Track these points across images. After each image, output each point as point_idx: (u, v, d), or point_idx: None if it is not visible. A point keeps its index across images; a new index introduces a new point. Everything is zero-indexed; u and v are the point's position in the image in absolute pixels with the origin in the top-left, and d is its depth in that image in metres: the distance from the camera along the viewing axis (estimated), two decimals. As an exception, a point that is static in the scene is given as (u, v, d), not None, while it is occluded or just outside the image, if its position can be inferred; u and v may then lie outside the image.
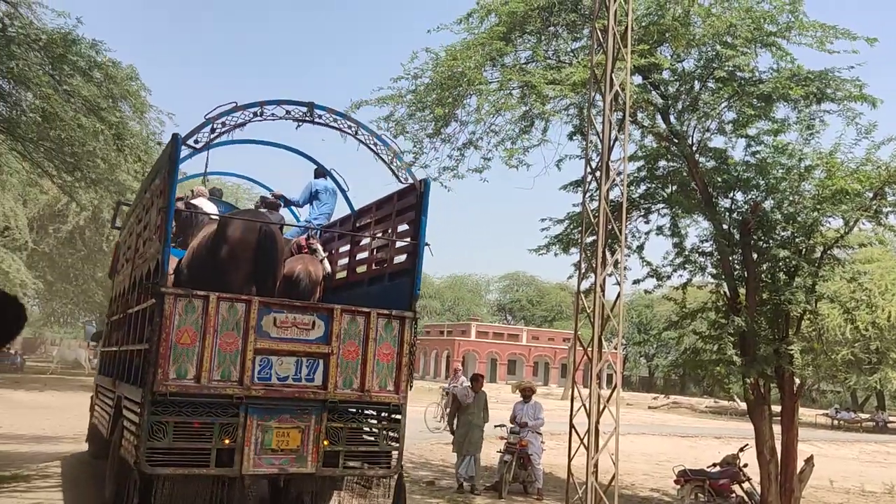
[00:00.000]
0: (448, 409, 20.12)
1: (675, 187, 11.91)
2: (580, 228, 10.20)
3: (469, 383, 20.45)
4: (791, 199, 10.70)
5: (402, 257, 8.71)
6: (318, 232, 10.13)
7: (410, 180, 8.54)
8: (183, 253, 8.82)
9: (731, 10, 10.27)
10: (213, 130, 7.65)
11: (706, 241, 12.14)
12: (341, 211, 10.91)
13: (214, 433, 6.83)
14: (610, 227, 8.69)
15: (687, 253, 11.95)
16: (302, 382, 7.27)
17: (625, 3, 8.96)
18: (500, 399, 13.95)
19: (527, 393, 12.52)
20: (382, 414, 7.81)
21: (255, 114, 7.83)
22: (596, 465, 7.54)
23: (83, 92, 12.04)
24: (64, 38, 11.74)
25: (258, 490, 7.68)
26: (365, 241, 9.88)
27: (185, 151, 7.61)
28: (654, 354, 74.20)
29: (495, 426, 12.15)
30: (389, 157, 8.60)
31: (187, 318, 6.86)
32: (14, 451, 12.95)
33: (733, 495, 11.34)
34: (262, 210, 9.71)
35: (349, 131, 8.53)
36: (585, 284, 9.77)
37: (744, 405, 13.04)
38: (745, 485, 11.46)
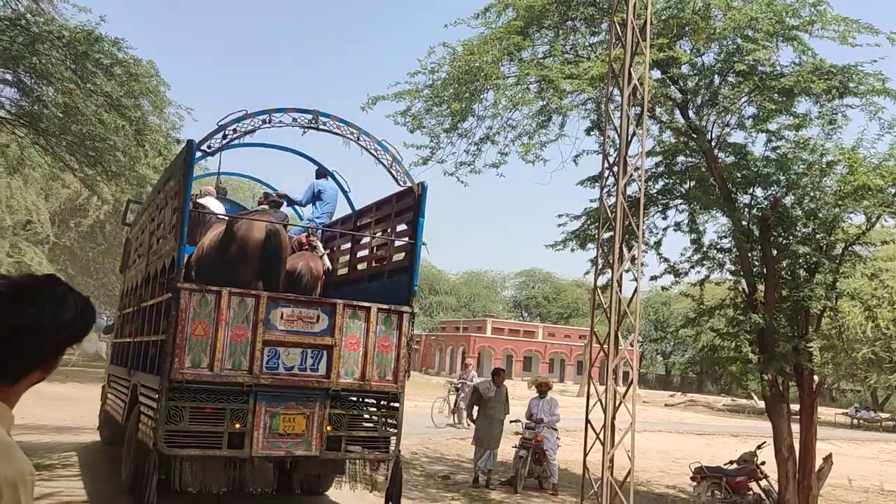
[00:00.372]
0: (457, 403, 20.13)
1: (693, 183, 11.82)
2: (597, 224, 10.16)
3: (476, 377, 20.48)
4: (812, 194, 10.58)
5: (401, 256, 9.31)
6: (320, 230, 10.55)
7: (409, 183, 9.05)
8: (192, 249, 9.16)
9: (753, 4, 10.16)
10: (224, 136, 8.22)
11: (725, 237, 12.05)
12: (343, 210, 11.52)
13: (226, 418, 7.42)
14: (627, 222, 8.65)
15: (705, 249, 11.86)
16: (307, 372, 7.85)
17: (644, -4, 8.90)
18: (516, 395, 13.83)
19: (542, 389, 12.51)
20: (381, 402, 8.40)
21: (263, 121, 8.37)
22: (612, 461, 7.52)
23: (105, 88, 12.16)
24: (87, 35, 11.87)
25: (265, 472, 8.19)
26: (365, 239, 10.43)
27: (198, 154, 8.16)
28: (671, 352, 73.80)
29: (511, 421, 12.15)
30: (389, 162, 9.10)
31: (201, 312, 7.43)
32: (37, 442, 13.12)
33: (750, 493, 11.28)
34: (264, 206, 10.16)
35: (351, 137, 9.00)
36: (602, 280, 9.73)
37: (762, 403, 12.95)
38: (763, 482, 11.40)
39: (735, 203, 11.29)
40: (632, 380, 8.62)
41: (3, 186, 24.56)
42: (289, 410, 7.73)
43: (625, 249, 9.00)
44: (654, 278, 12.59)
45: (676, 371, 73.39)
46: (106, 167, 13.34)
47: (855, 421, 38.60)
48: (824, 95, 10.07)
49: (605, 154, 9.29)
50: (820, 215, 10.39)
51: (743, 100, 10.64)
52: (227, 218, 9.62)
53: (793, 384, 11.36)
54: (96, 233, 34.37)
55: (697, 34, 10.18)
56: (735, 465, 11.57)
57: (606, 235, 9.73)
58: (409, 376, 8.46)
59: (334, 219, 11.31)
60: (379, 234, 10.03)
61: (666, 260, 12.18)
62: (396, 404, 8.33)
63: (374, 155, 9.10)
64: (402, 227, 9.44)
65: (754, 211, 11.30)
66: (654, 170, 12.16)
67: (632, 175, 8.96)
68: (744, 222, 11.14)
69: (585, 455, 7.84)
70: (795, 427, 11.15)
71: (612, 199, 9.23)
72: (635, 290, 8.57)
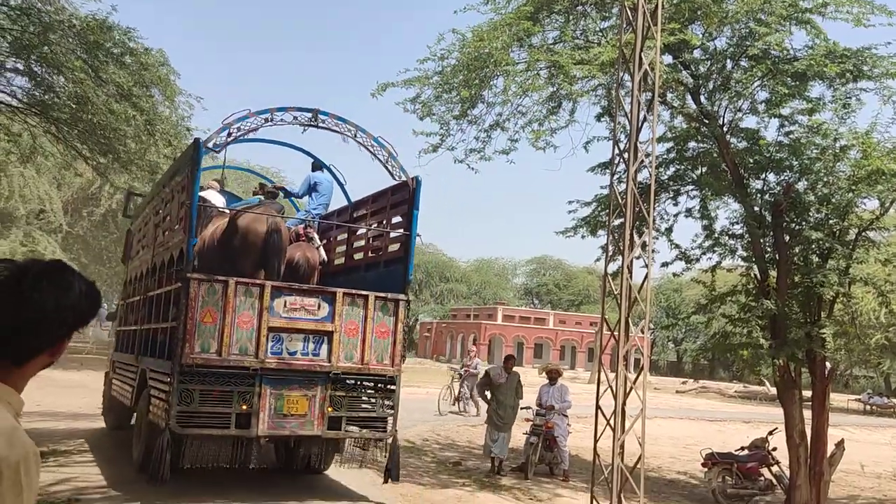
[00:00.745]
0: (461, 390, 20.02)
1: (704, 169, 11.75)
2: (608, 211, 10.12)
3: (480, 365, 20.43)
4: (825, 179, 10.50)
5: (396, 246, 9.74)
6: (317, 221, 10.97)
7: (404, 177, 9.50)
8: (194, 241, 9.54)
9: (766, -14, 10.04)
10: (229, 135, 8.76)
11: (736, 223, 11.98)
12: (339, 202, 11.95)
13: (234, 400, 7.94)
14: (638, 209, 8.62)
15: (717, 235, 11.81)
16: (309, 356, 8.38)
17: (655, -20, 8.81)
18: (527, 382, 13.78)
19: (553, 375, 12.51)
20: (379, 384, 8.93)
21: (266, 119, 8.91)
22: (622, 447, 7.53)
23: (116, 78, 12.19)
24: (100, 25, 11.88)
25: (269, 451, 8.77)
26: (361, 230, 10.88)
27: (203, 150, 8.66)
28: (683, 339, 73.62)
29: (521, 408, 12.17)
30: (385, 157, 9.59)
31: (209, 300, 7.94)
32: (53, 428, 13.28)
33: (761, 478, 11.28)
34: (260, 197, 10.80)
35: (349, 134, 9.51)
36: (612, 267, 9.71)
37: (774, 390, 12.92)
38: (774, 468, 11.39)
39: (747, 189, 11.21)
40: (642, 366, 8.63)
41: (17, 176, 24.73)
42: (292, 392, 8.24)
43: (635, 236, 8.96)
44: (665, 265, 12.56)
45: (688, 358, 73.24)
46: (117, 156, 13.40)
47: (868, 407, 38.43)
48: (838, 79, 9.97)
49: (616, 140, 9.24)
50: (833, 200, 10.32)
51: (755, 84, 10.54)
52: (229, 211, 10.15)
53: (805, 370, 11.32)
54: (108, 222, 34.58)
55: (709, 18, 10.08)
56: (746, 452, 11.56)
57: (617, 222, 9.69)
58: (404, 360, 8.97)
59: (329, 210, 11.63)
60: (374, 226, 10.40)
61: (677, 246, 12.15)
62: (393, 386, 8.85)
63: (370, 151, 9.55)
64: (397, 219, 9.87)
65: (766, 196, 11.23)
66: (665, 156, 12.09)
67: (642, 161, 8.91)
68: (756, 208, 11.07)
69: (596, 441, 7.86)
70: (807, 413, 11.12)
71: (623, 186, 9.19)
72: (646, 277, 8.54)
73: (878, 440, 23.21)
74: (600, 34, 11.41)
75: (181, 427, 7.69)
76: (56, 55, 11.35)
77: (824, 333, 10.11)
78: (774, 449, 11.49)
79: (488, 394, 12.06)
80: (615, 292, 8.50)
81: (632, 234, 8.54)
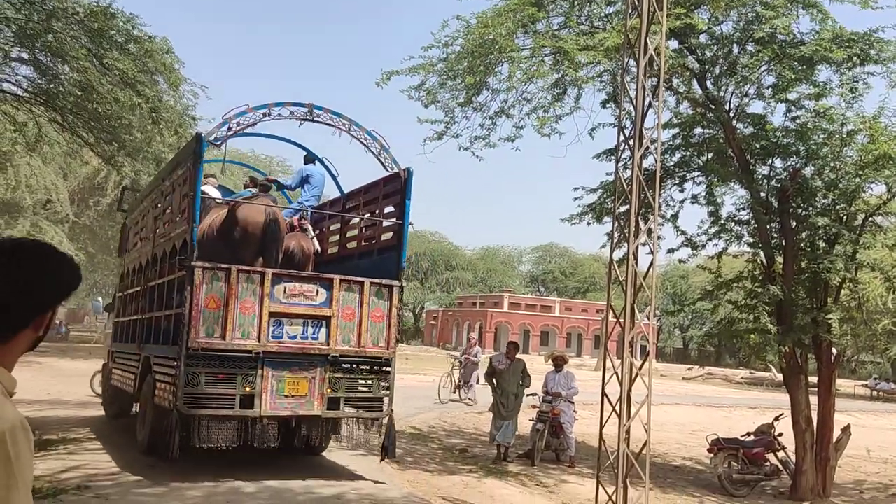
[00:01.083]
0: (461, 378, 19.92)
1: (710, 155, 11.70)
2: (613, 197, 10.09)
3: (480, 352, 20.38)
4: (832, 164, 10.45)
5: (389, 235, 10.14)
6: (310, 212, 11.36)
7: (396, 169, 9.86)
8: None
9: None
10: (229, 129, 9.13)
11: (743, 209, 11.96)
12: (331, 193, 12.35)
13: (237, 382, 8.37)
14: (643, 195, 8.59)
15: (723, 222, 11.78)
16: (308, 340, 8.80)
17: (660, -35, 8.73)
18: (533, 370, 13.75)
19: (558, 362, 12.53)
20: (375, 367, 9.29)
21: (264, 114, 9.28)
22: (628, 433, 7.54)
23: (120, 66, 12.17)
24: (103, 12, 11.85)
25: (272, 430, 9.20)
26: (355, 220, 11.25)
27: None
28: (689, 326, 73.53)
29: (527, 395, 12.20)
30: (377, 150, 9.93)
31: (213, 287, 8.31)
32: (62, 416, 13.40)
33: (767, 464, 11.30)
34: (252, 189, 11.29)
35: (343, 127, 9.85)
36: (618, 254, 9.69)
37: (780, 376, 12.92)
38: (780, 453, 11.40)
39: (753, 174, 11.17)
40: (648, 352, 8.63)
41: (23, 165, 24.77)
42: (293, 374, 8.65)
43: (641, 222, 8.94)
44: (671, 251, 12.54)
45: (694, 345, 73.20)
46: (122, 144, 13.41)
47: (874, 393, 38.38)
48: (845, 63, 9.89)
49: (621, 126, 9.19)
50: (840, 185, 10.27)
51: (762, 69, 10.48)
52: (227, 202, 10.57)
53: (811, 356, 11.32)
54: (115, 211, 34.61)
55: (716, 2, 10.00)
56: (752, 437, 11.57)
57: (623, 209, 9.67)
58: (398, 342, 9.39)
59: (322, 201, 12.07)
60: (367, 216, 10.78)
61: (683, 233, 12.13)
62: (388, 368, 9.28)
63: (363, 143, 9.90)
64: (389, 209, 10.27)
65: (773, 182, 11.19)
66: (671, 142, 12.05)
67: (648, 147, 8.87)
68: (762, 194, 11.03)
69: (602, 427, 7.87)
70: (814, 399, 11.12)
71: (629, 173, 9.16)
72: (651, 263, 8.53)
73: (885, 425, 23.20)
74: (605, 19, 11.34)
75: (188, 408, 8.10)
76: (60, 43, 11.34)
77: (830, 319, 10.08)
78: (780, 434, 11.49)
79: (495, 381, 12.09)
80: (621, 279, 8.49)
81: (637, 221, 8.52)
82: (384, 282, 9.25)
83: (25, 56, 12.43)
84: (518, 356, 12.28)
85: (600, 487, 7.52)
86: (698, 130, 11.91)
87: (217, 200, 10.94)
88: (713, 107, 10.78)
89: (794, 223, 10.95)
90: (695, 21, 9.89)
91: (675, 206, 12.39)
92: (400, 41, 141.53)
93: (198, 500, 7.55)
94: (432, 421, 16.22)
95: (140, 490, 7.83)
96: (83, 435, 11.27)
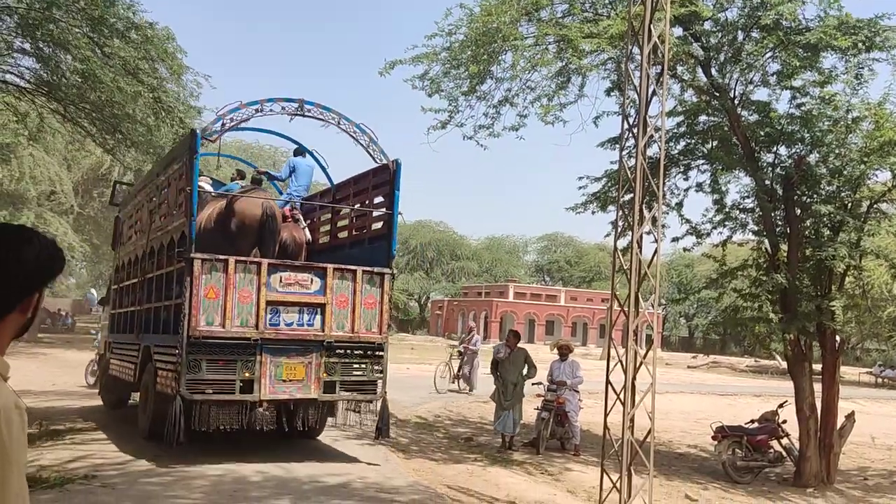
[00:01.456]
0: (460, 368, 19.70)
1: (715, 142, 11.66)
2: (617, 186, 10.07)
3: (479, 342, 20.23)
4: (837, 152, 10.41)
5: (379, 224, 10.46)
6: (300, 203, 11.69)
7: (385, 161, 10.20)
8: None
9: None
10: (223, 125, 9.58)
11: (747, 197, 11.92)
12: (322, 184, 12.79)
13: (237, 367, 8.72)
14: (647, 184, 8.57)
15: (727, 210, 11.75)
16: (304, 327, 9.15)
17: (664, -49, 8.67)
18: (538, 359, 13.68)
19: (563, 351, 12.52)
20: (368, 351, 9.62)
21: (256, 110, 9.67)
22: (632, 421, 7.55)
23: (121, 54, 12.14)
24: None
25: (271, 414, 9.59)
26: (345, 210, 11.59)
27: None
28: (694, 314, 73.50)
29: (532, 384, 12.21)
30: (366, 142, 10.30)
31: (212, 278, 8.65)
32: (68, 407, 13.49)
33: (771, 451, 11.32)
34: (238, 182, 11.84)
35: (332, 122, 10.24)
36: (623, 243, 9.68)
37: (785, 364, 12.92)
38: (784, 440, 11.42)
39: (758, 162, 11.13)
40: (652, 340, 8.64)
41: (27, 157, 24.80)
42: (290, 360, 9.01)
43: (645, 211, 8.93)
44: (675, 240, 12.52)
45: (699, 333, 73.19)
46: (125, 135, 13.41)
47: (879, 380, 38.37)
48: (850, 50, 9.83)
49: (625, 115, 9.16)
50: (845, 172, 10.23)
51: (767, 56, 10.41)
52: (222, 195, 10.94)
53: (816, 344, 11.31)
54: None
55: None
56: (756, 425, 11.59)
57: (627, 197, 9.64)
58: (391, 328, 9.69)
59: (312, 192, 12.51)
60: (357, 206, 11.14)
61: (688, 221, 12.10)
62: (381, 353, 9.63)
63: (352, 136, 10.29)
64: (379, 200, 10.61)
65: (778, 170, 11.15)
66: (675, 130, 12.01)
67: (652, 136, 8.84)
68: (767, 181, 11.00)
69: (606, 415, 7.89)
70: (818, 387, 11.13)
71: (633, 161, 9.13)
72: (655, 252, 8.52)
73: (890, 412, 23.18)
74: (609, 6, 11.27)
75: (191, 393, 8.47)
76: (62, 32, 11.32)
77: (835, 306, 10.07)
78: (784, 422, 11.51)
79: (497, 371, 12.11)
80: (625, 268, 8.48)
81: (641, 209, 8.51)
82: (376, 270, 9.61)
83: (27, 47, 12.42)
84: (521, 345, 12.27)
85: (605, 475, 7.54)
86: (703, 118, 11.86)
87: (212, 194, 11.25)
88: (718, 94, 10.73)
89: (798, 211, 10.92)
90: (699, 8, 9.83)
91: (679, 195, 12.38)
92: (400, 38, 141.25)
93: (205, 489, 7.60)
94: (438, 410, 16.27)
95: (147, 479, 7.89)
96: (89, 425, 11.34)
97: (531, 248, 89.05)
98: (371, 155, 10.37)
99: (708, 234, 12.00)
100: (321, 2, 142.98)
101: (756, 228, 11.66)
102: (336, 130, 10.30)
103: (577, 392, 12.16)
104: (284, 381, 8.94)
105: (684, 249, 13.05)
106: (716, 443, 11.28)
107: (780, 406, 11.67)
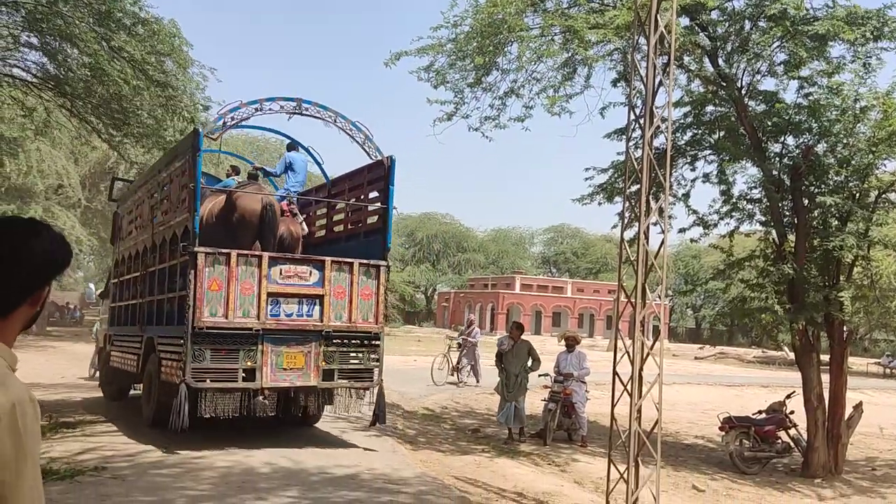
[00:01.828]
0: (459, 360, 19.53)
1: (722, 133, 11.61)
2: (624, 177, 10.04)
3: (479, 333, 20.13)
4: (845, 141, 10.36)
5: (375, 218, 10.84)
6: (296, 198, 12.01)
7: (379, 157, 10.56)
8: None
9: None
10: (224, 123, 10.02)
11: (754, 187, 11.88)
12: (318, 179, 13.24)
13: (240, 357, 9.06)
14: (654, 174, 8.54)
15: (734, 200, 11.71)
16: (304, 317, 9.50)
17: (671, -60, 8.61)
18: (545, 350, 13.65)
19: (570, 342, 12.51)
20: (365, 341, 9.96)
21: (256, 109, 10.07)
22: (639, 412, 7.55)
23: (128, 48, 12.15)
24: None
25: (272, 401, 9.83)
26: (341, 205, 11.93)
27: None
28: (702, 305, 73.30)
29: (539, 375, 12.23)
30: (362, 140, 10.68)
31: (215, 271, 8.99)
32: (78, 399, 13.57)
33: (779, 441, 11.31)
34: (235, 177, 12.21)
35: (329, 119, 10.61)
36: (630, 234, 9.66)
37: (793, 355, 12.89)
38: (792, 431, 11.41)
39: (765, 152, 11.08)
40: (659, 331, 8.63)
41: (34, 151, 24.87)
42: (290, 349, 9.35)
43: (652, 201, 8.90)
44: (682, 230, 12.50)
45: (707, 324, 73.01)
46: (132, 129, 13.43)
47: (887, 370, 38.25)
48: (858, 40, 9.75)
49: (632, 105, 9.12)
50: (853, 162, 10.19)
51: (774, 46, 10.35)
52: (221, 191, 11.31)
53: (824, 334, 11.28)
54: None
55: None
56: (764, 415, 11.57)
57: (634, 188, 9.63)
58: (387, 318, 10.15)
59: (307, 187, 12.90)
60: (353, 201, 11.48)
61: (694, 212, 12.07)
62: (377, 342, 9.99)
63: (349, 134, 10.65)
64: (374, 194, 10.93)
65: (785, 160, 11.10)
66: (682, 120, 11.96)
67: (658, 126, 8.80)
68: (774, 172, 10.95)
69: (613, 406, 7.89)
70: (826, 377, 11.10)
71: (640, 152, 9.10)
72: (662, 242, 8.51)
73: (898, 404, 23.12)
74: (615, -4, 11.22)
75: (196, 382, 8.82)
76: (69, 26, 11.33)
77: (843, 297, 10.04)
78: (792, 412, 11.49)
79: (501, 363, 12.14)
80: (632, 259, 8.47)
81: (648, 200, 8.48)
82: (372, 262, 9.97)
83: (34, 41, 12.43)
84: (525, 337, 12.28)
85: (612, 466, 7.55)
86: (710, 108, 11.81)
87: (210, 189, 11.56)
88: (725, 84, 10.68)
89: (806, 201, 10.87)
90: (706, -3, 9.77)
91: (686, 185, 12.34)
92: (404, 31, 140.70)
93: (213, 481, 7.64)
94: (445, 402, 16.32)
95: (156, 470, 7.94)
96: (99, 417, 11.42)
97: (537, 240, 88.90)
98: (366, 151, 10.72)
99: (715, 225, 11.97)
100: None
101: (763, 219, 11.63)
102: (333, 128, 10.66)
103: (584, 383, 12.17)
104: (285, 369, 9.30)
105: (691, 240, 13.01)
106: (723, 433, 11.28)
107: (788, 397, 11.65)
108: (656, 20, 8.18)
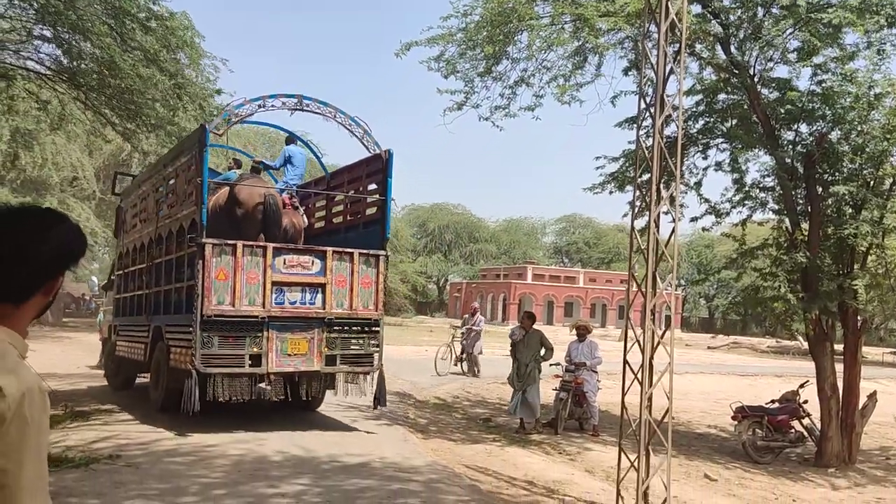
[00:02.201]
0: (463, 349, 19.38)
1: (734, 121, 11.52)
2: (635, 166, 10.00)
3: (482, 322, 20.05)
4: (859, 129, 10.25)
5: (373, 210, 11.24)
6: (296, 190, 12.38)
7: (378, 151, 10.92)
8: None
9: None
10: (228, 119, 10.45)
11: (767, 175, 11.79)
12: (316, 172, 13.70)
13: (246, 343, 9.48)
14: (665, 163, 8.50)
15: (747, 189, 11.63)
16: (307, 305, 9.90)
17: (682, -74, 8.53)
18: (558, 340, 13.62)
19: (581, 332, 12.49)
20: (365, 327, 10.40)
21: (259, 105, 10.45)
22: (650, 401, 7.55)
23: (143, 43, 12.22)
24: None
25: (277, 386, 10.33)
26: (340, 196, 12.34)
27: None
28: (715, 295, 72.96)
29: (550, 364, 12.22)
30: (361, 134, 11.01)
31: (221, 261, 9.38)
32: (93, 388, 13.72)
33: (792, 431, 11.28)
34: (237, 170, 12.70)
35: (329, 115, 10.97)
36: (640, 223, 9.62)
37: (807, 344, 12.82)
38: (805, 421, 11.37)
39: (778, 140, 11.00)
40: (670, 320, 8.61)
41: (49, 143, 25.06)
42: (294, 336, 9.76)
43: (663, 190, 8.86)
44: (694, 219, 12.44)
45: (719, 314, 72.69)
46: (145, 120, 13.52)
47: (903, 361, 37.94)
48: (872, 27, 9.63)
49: (643, 94, 9.07)
50: (867, 150, 10.09)
51: (787, 33, 10.25)
52: (224, 184, 11.59)
53: (838, 323, 11.21)
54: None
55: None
56: (777, 405, 11.53)
57: (644, 177, 9.59)
58: (385, 305, 10.78)
59: (304, 180, 13.31)
60: (352, 193, 11.87)
61: (706, 200, 12.00)
62: (377, 328, 10.44)
63: (348, 129, 11.00)
64: (372, 187, 11.34)
65: (798, 148, 11.01)
66: (694, 109, 11.88)
67: (669, 115, 8.75)
68: (787, 160, 10.87)
69: (623, 394, 7.89)
70: (840, 367, 11.04)
71: (651, 141, 9.05)
72: (673, 231, 8.48)
73: (914, 393, 22.94)
74: (626, -16, 11.13)
75: (205, 367, 9.18)
76: (82, 20, 11.40)
77: (857, 285, 9.97)
78: (806, 402, 11.44)
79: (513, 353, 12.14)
80: (643, 248, 8.44)
81: (658, 189, 8.44)
82: (371, 252, 10.36)
83: (48, 34, 12.51)
84: (537, 327, 12.27)
85: (622, 454, 7.56)
86: (722, 96, 11.73)
87: (212, 183, 11.74)
88: (737, 72, 10.59)
89: (819, 189, 10.79)
90: (717, -16, 9.68)
91: (698, 174, 12.27)
92: (402, 31, 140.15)
93: (226, 469, 7.72)
94: (456, 391, 16.37)
95: (170, 458, 8.03)
96: (113, 406, 11.54)
97: (549, 230, 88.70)
98: (365, 146, 11.05)
99: (727, 214, 11.90)
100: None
101: (776, 207, 11.55)
102: (334, 124, 10.98)
103: (596, 372, 12.16)
104: (289, 355, 9.71)
105: (703, 229, 12.94)
106: (736, 423, 11.25)
107: (802, 386, 11.60)
108: (667, 7, 8.12)
